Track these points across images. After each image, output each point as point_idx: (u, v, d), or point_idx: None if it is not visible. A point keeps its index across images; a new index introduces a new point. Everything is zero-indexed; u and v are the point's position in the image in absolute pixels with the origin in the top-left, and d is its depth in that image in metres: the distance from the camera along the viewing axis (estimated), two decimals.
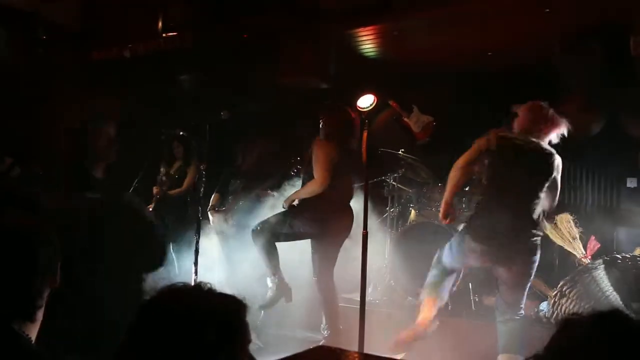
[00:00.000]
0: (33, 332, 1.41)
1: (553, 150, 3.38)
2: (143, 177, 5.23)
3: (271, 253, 4.03)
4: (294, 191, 4.13)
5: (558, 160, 3.37)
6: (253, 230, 4.05)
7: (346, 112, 4.06)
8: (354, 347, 3.03)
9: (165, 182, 5.58)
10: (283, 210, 4.06)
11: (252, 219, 4.42)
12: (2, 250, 1.40)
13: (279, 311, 4.18)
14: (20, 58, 5.76)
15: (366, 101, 3.25)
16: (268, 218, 4.07)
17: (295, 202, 4.01)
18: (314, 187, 3.93)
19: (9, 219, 1.48)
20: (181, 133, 5.00)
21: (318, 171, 3.93)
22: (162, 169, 5.66)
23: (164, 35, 5.41)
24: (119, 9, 5.60)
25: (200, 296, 1.11)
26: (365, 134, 3.25)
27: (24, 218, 1.50)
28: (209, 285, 1.15)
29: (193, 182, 5.58)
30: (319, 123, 4.10)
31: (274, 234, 4.01)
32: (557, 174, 3.36)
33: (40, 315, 1.44)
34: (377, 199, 5.10)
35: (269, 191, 5.03)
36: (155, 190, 5.51)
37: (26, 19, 5.61)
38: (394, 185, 5.34)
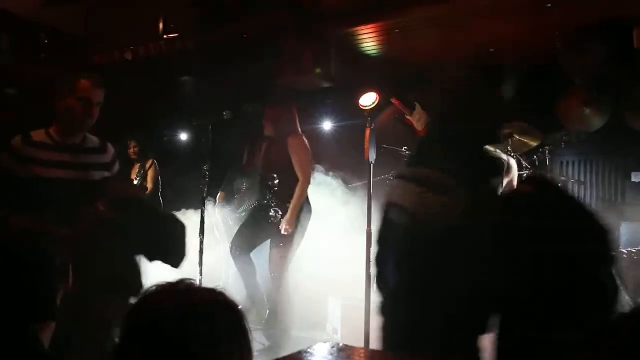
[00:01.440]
0: (47, 334, 1.41)
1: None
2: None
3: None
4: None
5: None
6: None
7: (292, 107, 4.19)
8: (360, 344, 3.03)
9: (143, 185, 5.58)
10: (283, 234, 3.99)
11: None
12: (13, 253, 1.40)
13: (283, 310, 4.18)
14: (24, 62, 5.78)
15: (368, 99, 3.26)
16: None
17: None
18: (304, 190, 3.98)
19: (20, 221, 1.48)
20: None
21: (304, 169, 3.99)
22: (136, 173, 5.66)
23: (165, 37, 5.41)
24: (121, 13, 5.61)
25: (191, 298, 1.08)
26: (368, 132, 3.24)
27: (35, 220, 1.49)
28: (192, 280, 1.12)
29: (157, 179, 5.61)
30: (276, 119, 4.12)
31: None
32: None
33: (53, 317, 1.44)
34: (380, 196, 5.09)
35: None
36: None
37: (29, 24, 5.63)
38: None
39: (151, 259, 2.44)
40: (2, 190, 2.60)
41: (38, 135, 2.66)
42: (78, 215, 2.39)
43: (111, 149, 2.80)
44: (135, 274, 2.43)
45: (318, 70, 5.23)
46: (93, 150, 2.73)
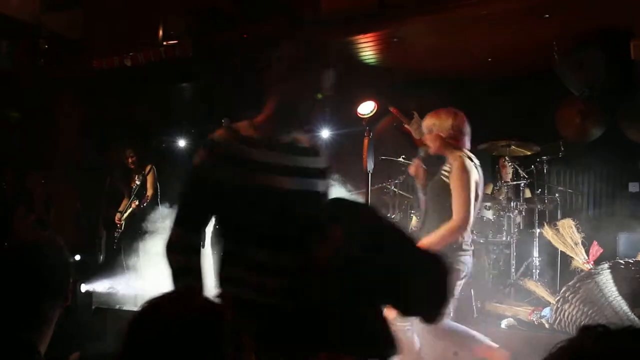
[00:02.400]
0: (42, 347, 1.40)
1: None
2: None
3: None
4: None
5: None
6: None
7: None
8: None
9: (143, 194, 5.56)
10: None
11: None
12: (12, 267, 1.39)
13: None
14: (22, 67, 5.78)
15: (367, 108, 3.26)
16: None
17: None
18: None
19: (20, 236, 1.47)
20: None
21: None
22: (135, 182, 5.64)
23: (164, 43, 5.43)
24: (120, 18, 5.62)
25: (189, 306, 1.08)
26: (366, 141, 3.24)
27: (36, 236, 1.48)
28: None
29: (156, 184, 5.60)
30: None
31: None
32: None
33: (49, 332, 1.42)
34: (378, 205, 5.10)
35: None
36: (134, 205, 5.51)
37: (28, 29, 5.64)
38: (395, 191, 5.34)
39: (406, 311, 1.87)
40: (204, 200, 1.84)
41: (243, 127, 1.93)
42: (304, 243, 1.75)
43: (324, 150, 2.07)
44: (382, 330, 1.74)
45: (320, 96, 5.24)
46: (307, 151, 1.99)
